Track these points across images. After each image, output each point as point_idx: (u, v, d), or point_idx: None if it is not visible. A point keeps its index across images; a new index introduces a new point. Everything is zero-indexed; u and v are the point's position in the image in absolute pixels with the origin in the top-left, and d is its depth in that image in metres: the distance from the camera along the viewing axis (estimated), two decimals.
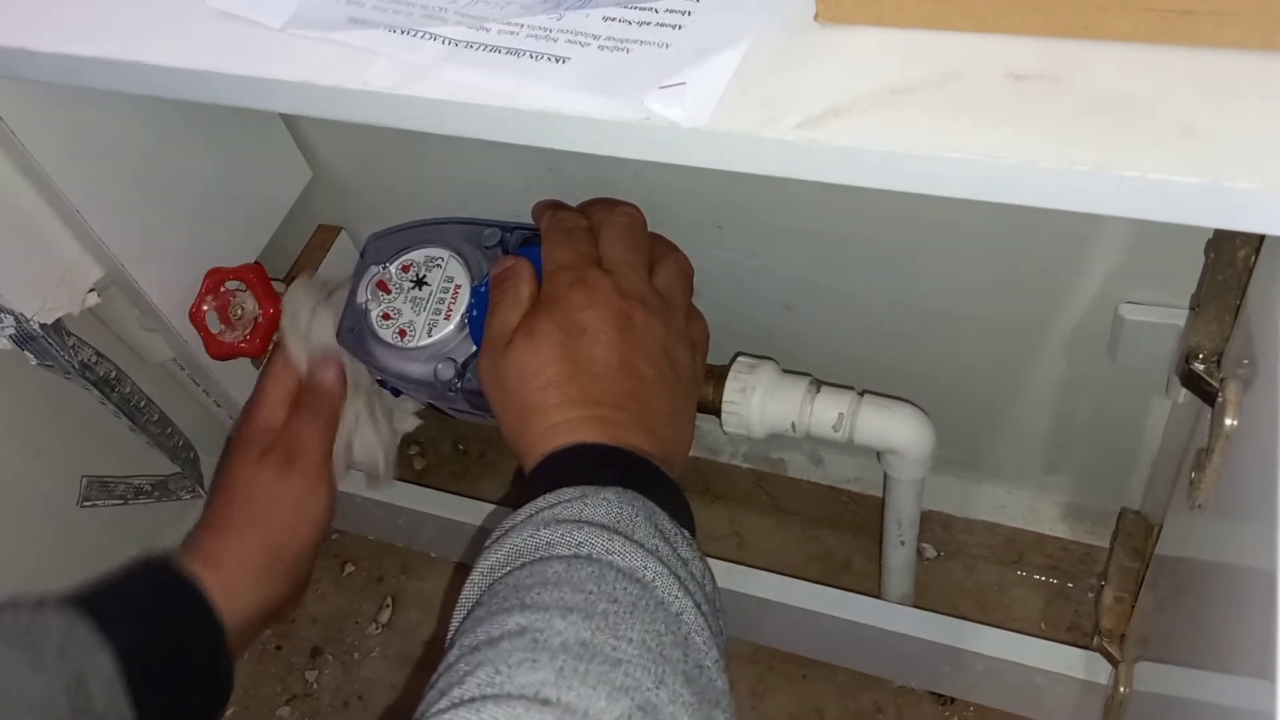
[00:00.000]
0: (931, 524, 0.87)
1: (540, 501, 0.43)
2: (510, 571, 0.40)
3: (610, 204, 0.59)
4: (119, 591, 0.55)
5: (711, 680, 0.38)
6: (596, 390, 0.49)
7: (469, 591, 0.41)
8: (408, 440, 1.03)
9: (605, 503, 0.42)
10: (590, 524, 0.40)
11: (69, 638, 0.50)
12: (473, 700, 0.34)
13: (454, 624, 0.41)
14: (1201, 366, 0.44)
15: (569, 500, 0.42)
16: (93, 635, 0.50)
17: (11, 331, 0.61)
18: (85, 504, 0.76)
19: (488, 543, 0.43)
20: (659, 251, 0.58)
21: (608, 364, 0.50)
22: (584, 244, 0.55)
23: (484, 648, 0.36)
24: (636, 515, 0.42)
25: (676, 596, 0.39)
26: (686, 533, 0.44)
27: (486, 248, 0.65)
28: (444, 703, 0.35)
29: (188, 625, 0.55)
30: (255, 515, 0.61)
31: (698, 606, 0.40)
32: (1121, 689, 0.60)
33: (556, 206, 0.60)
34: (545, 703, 0.33)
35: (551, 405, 0.49)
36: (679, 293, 0.57)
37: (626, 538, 0.40)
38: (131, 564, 0.57)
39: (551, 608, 0.37)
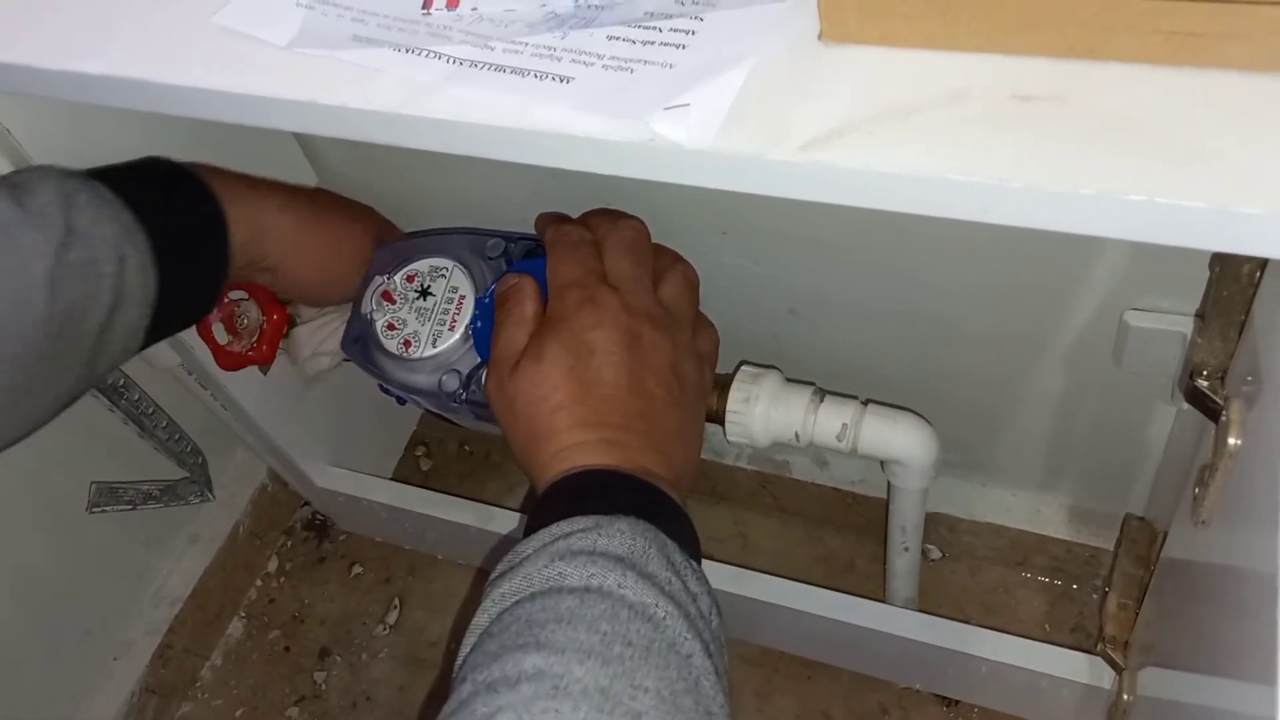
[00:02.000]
0: (937, 526, 0.87)
1: (555, 529, 0.43)
2: (519, 602, 0.40)
3: (614, 216, 0.59)
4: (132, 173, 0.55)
5: None
6: (606, 412, 0.49)
7: (480, 619, 0.41)
8: (414, 441, 1.04)
9: (619, 534, 0.42)
10: (604, 555, 0.40)
11: (111, 216, 0.51)
12: None
13: (464, 650, 0.41)
14: (1206, 383, 0.44)
15: (583, 530, 0.42)
16: (126, 212, 0.51)
17: None
18: (94, 510, 0.76)
19: (500, 569, 0.43)
20: (664, 263, 0.58)
21: (617, 385, 0.50)
22: (590, 259, 0.55)
23: (502, 689, 0.36)
24: (649, 547, 0.42)
25: (686, 638, 0.39)
26: (695, 565, 0.45)
27: (490, 258, 0.65)
28: None
29: (196, 213, 0.56)
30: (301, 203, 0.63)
31: (705, 647, 0.40)
32: (1125, 696, 0.60)
33: (560, 220, 0.60)
34: None
35: (561, 429, 0.49)
36: (685, 305, 0.57)
37: (639, 572, 0.40)
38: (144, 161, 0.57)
39: (568, 650, 0.37)
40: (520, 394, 0.51)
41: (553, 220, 0.60)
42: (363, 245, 0.66)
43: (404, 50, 0.41)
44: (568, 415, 0.49)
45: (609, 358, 0.50)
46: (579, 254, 0.55)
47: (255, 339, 0.67)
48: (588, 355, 0.50)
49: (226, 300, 0.67)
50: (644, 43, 0.39)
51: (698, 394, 0.55)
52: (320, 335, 0.70)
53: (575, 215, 0.66)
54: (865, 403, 0.64)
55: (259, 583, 0.98)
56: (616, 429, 0.49)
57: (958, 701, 0.82)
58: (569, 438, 0.49)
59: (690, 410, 0.54)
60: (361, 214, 0.69)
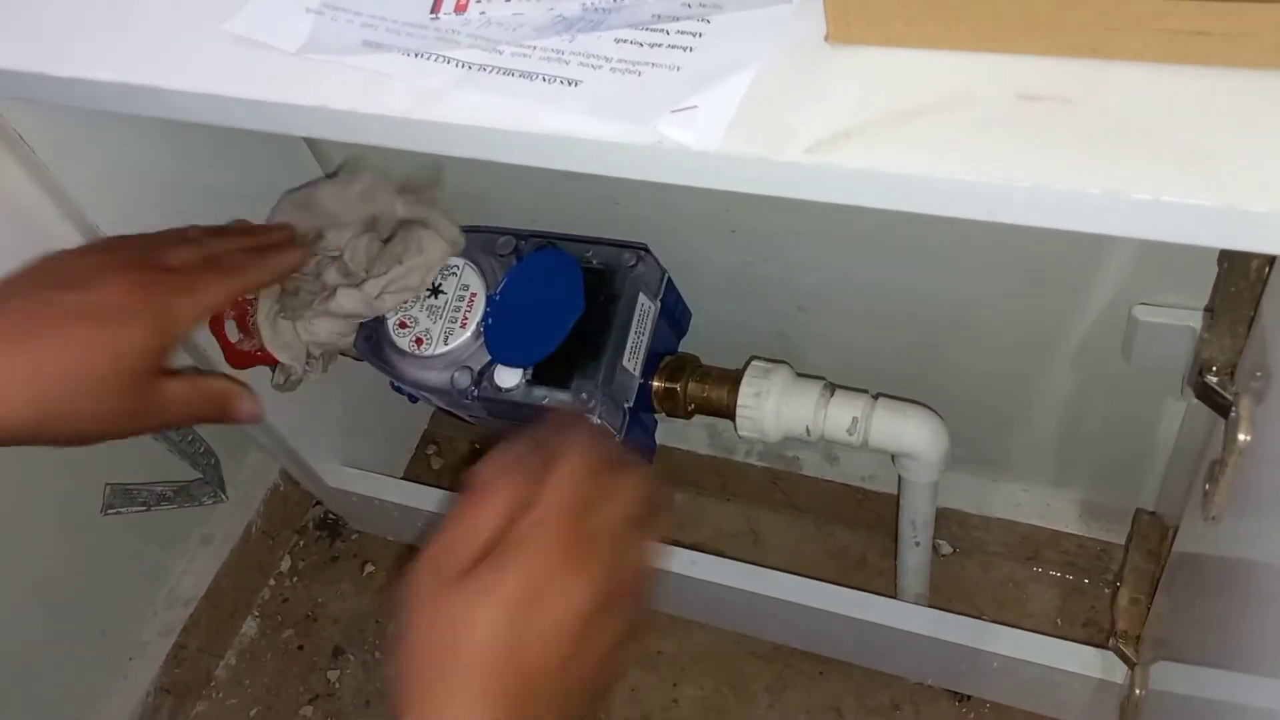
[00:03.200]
0: (947, 521, 0.87)
1: None
2: None
3: (565, 445, 0.46)
4: None
5: None
6: (518, 695, 0.41)
7: None
8: (425, 439, 1.04)
9: None
10: None
11: None
12: None
13: None
14: (1215, 379, 0.44)
15: None
16: None
17: None
18: (109, 511, 0.77)
19: None
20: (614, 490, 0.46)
21: (547, 669, 0.42)
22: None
23: None
24: None
25: None
26: None
27: (501, 255, 0.65)
28: None
29: None
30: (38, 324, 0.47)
31: None
32: (1137, 691, 0.60)
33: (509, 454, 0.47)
34: None
35: (463, 685, 0.41)
36: (632, 553, 0.46)
37: None
38: None
39: None
40: (445, 617, 0.42)
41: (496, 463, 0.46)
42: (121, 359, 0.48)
43: (413, 55, 0.41)
44: (480, 676, 0.41)
45: (556, 636, 0.42)
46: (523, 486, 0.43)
47: None
48: (530, 622, 0.41)
49: (240, 299, 0.67)
50: (651, 45, 0.39)
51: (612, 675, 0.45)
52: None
53: (578, 215, 0.67)
54: (875, 396, 0.64)
55: (272, 582, 0.99)
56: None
57: (969, 696, 0.82)
58: (463, 697, 0.41)
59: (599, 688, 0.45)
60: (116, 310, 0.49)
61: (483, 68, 0.40)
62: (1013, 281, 0.65)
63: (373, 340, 0.66)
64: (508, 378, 0.62)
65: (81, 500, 0.78)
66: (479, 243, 0.66)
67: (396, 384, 0.68)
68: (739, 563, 0.79)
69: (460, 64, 0.40)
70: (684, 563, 0.79)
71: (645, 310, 0.64)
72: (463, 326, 0.64)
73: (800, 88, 0.37)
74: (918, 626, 0.74)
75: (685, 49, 0.39)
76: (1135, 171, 0.32)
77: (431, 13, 0.42)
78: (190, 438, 0.77)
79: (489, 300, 0.64)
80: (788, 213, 0.66)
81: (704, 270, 0.72)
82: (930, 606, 0.77)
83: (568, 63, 0.39)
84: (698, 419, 0.69)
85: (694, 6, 0.40)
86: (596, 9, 0.41)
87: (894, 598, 0.79)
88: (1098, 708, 0.72)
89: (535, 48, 0.40)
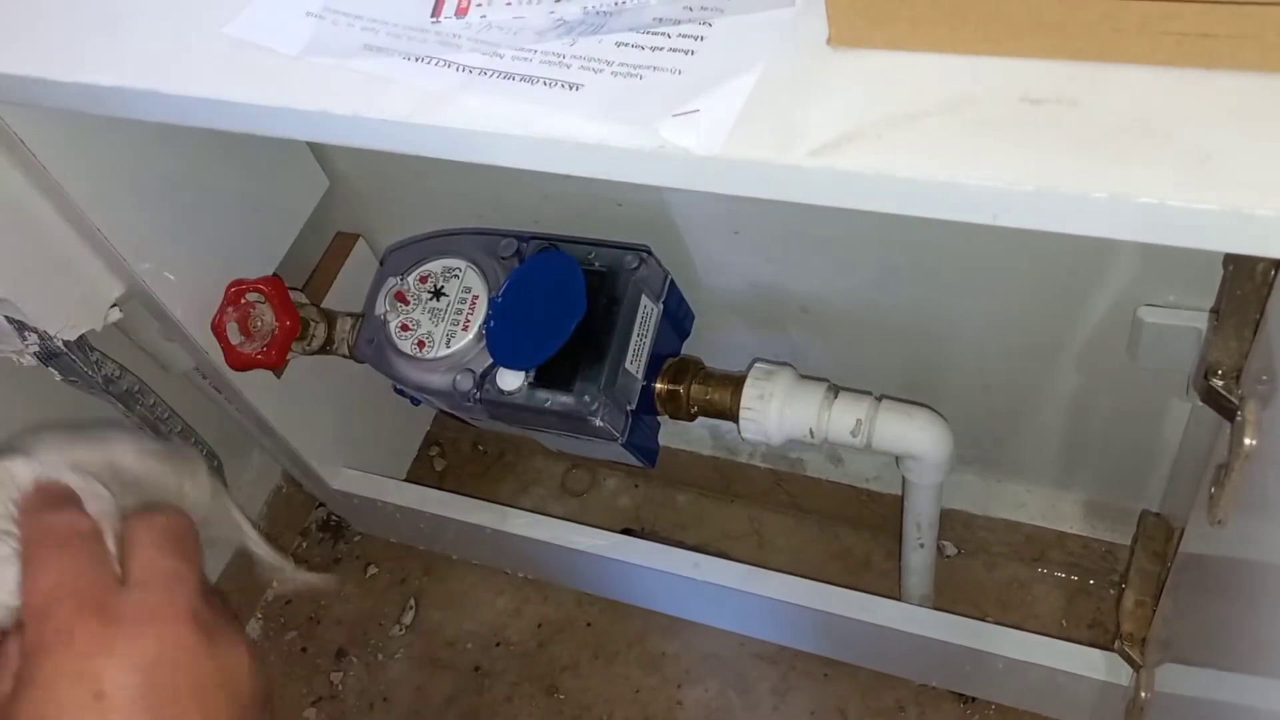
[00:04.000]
0: (952, 522, 0.87)
1: None
2: None
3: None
4: None
5: None
6: None
7: None
8: (429, 441, 1.04)
9: None
10: None
11: None
12: None
13: None
14: (1221, 382, 0.44)
15: None
16: None
17: (36, 349, 0.62)
18: None
19: None
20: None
21: None
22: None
23: None
24: None
25: None
26: None
27: (503, 258, 0.65)
28: None
29: None
30: None
31: None
32: (1143, 693, 0.60)
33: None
34: None
35: None
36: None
37: None
38: None
39: None
40: None
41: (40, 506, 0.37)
42: None
43: (414, 59, 0.41)
44: None
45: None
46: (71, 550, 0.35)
47: (266, 343, 0.67)
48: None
49: (243, 301, 0.67)
50: (653, 49, 0.39)
51: None
52: None
53: (580, 216, 0.66)
54: (879, 398, 0.64)
55: (275, 584, 0.99)
56: None
57: (974, 698, 0.82)
58: None
59: None
60: None
61: (484, 71, 0.40)
62: (1017, 282, 0.65)
63: (375, 344, 0.66)
64: (510, 380, 0.62)
65: None
66: (481, 245, 0.66)
67: (399, 387, 0.68)
68: (743, 564, 0.79)
69: (461, 68, 0.40)
70: (688, 564, 0.79)
71: (648, 312, 0.64)
72: (465, 329, 0.64)
73: (803, 91, 0.36)
74: (922, 628, 0.74)
75: (687, 52, 0.38)
76: (1140, 175, 0.32)
77: (432, 16, 0.42)
78: (193, 440, 0.77)
79: (491, 303, 0.63)
80: (791, 214, 0.66)
81: (707, 272, 0.72)
82: (935, 608, 0.77)
83: (569, 66, 0.39)
84: (701, 420, 0.69)
85: (695, 10, 0.39)
86: (597, 12, 0.40)
87: (898, 599, 0.79)
88: (1103, 710, 0.72)
89: (536, 51, 0.40)
